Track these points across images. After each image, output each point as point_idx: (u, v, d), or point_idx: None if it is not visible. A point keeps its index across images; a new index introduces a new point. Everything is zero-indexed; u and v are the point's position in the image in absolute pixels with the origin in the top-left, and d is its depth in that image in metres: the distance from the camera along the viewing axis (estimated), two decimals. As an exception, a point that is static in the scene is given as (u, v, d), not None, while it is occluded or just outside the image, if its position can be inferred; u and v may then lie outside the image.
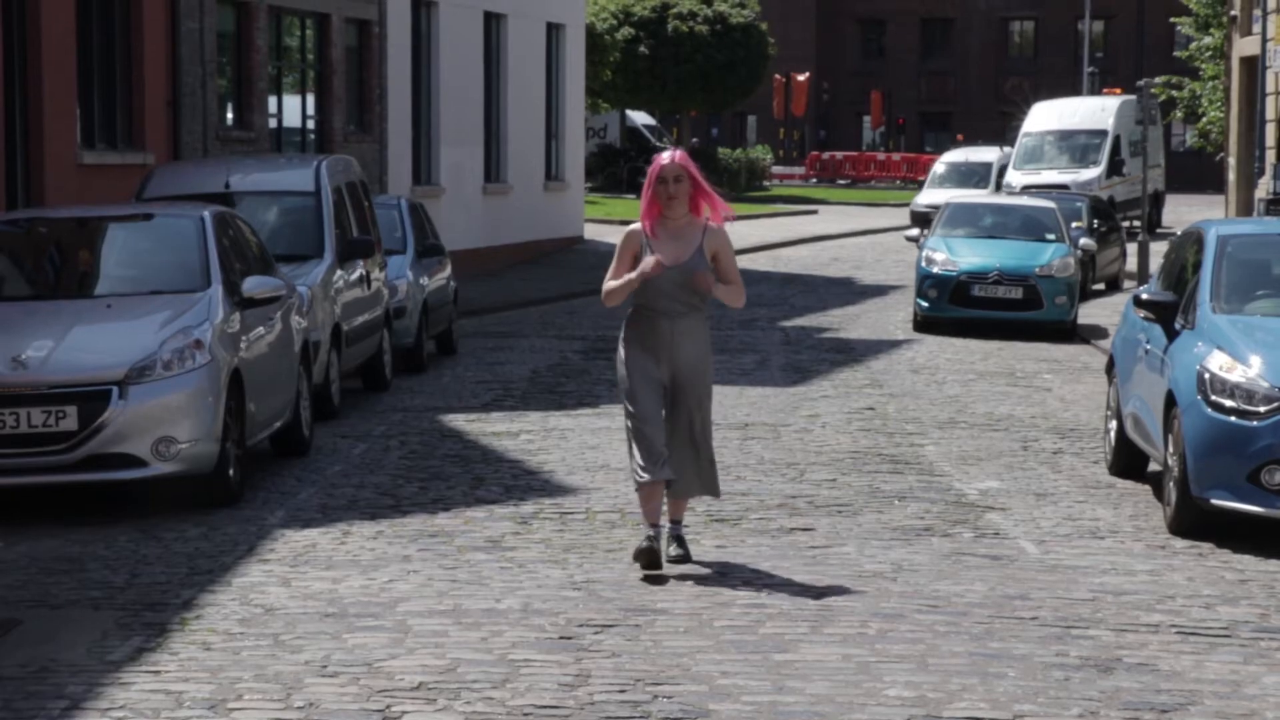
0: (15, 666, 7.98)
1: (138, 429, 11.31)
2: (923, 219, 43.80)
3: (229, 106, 24.92)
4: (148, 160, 21.15)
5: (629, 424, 9.71)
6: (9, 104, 19.08)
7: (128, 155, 21.43)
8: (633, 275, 9.58)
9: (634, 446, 9.67)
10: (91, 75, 20.95)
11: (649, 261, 9.55)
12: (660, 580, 9.50)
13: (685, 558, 9.88)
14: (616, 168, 54.87)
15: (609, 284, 9.68)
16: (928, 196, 44.10)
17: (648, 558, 9.62)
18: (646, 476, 9.60)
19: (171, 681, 7.75)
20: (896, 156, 70.14)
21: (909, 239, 27.23)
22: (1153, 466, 12.57)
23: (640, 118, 59.92)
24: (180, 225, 13.12)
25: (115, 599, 9.26)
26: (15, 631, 8.61)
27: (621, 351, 9.75)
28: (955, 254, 24.29)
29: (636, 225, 9.67)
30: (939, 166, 47.23)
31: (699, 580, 9.57)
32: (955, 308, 23.79)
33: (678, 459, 9.71)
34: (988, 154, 47.44)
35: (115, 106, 21.62)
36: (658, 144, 58.19)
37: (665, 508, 9.95)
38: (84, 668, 7.96)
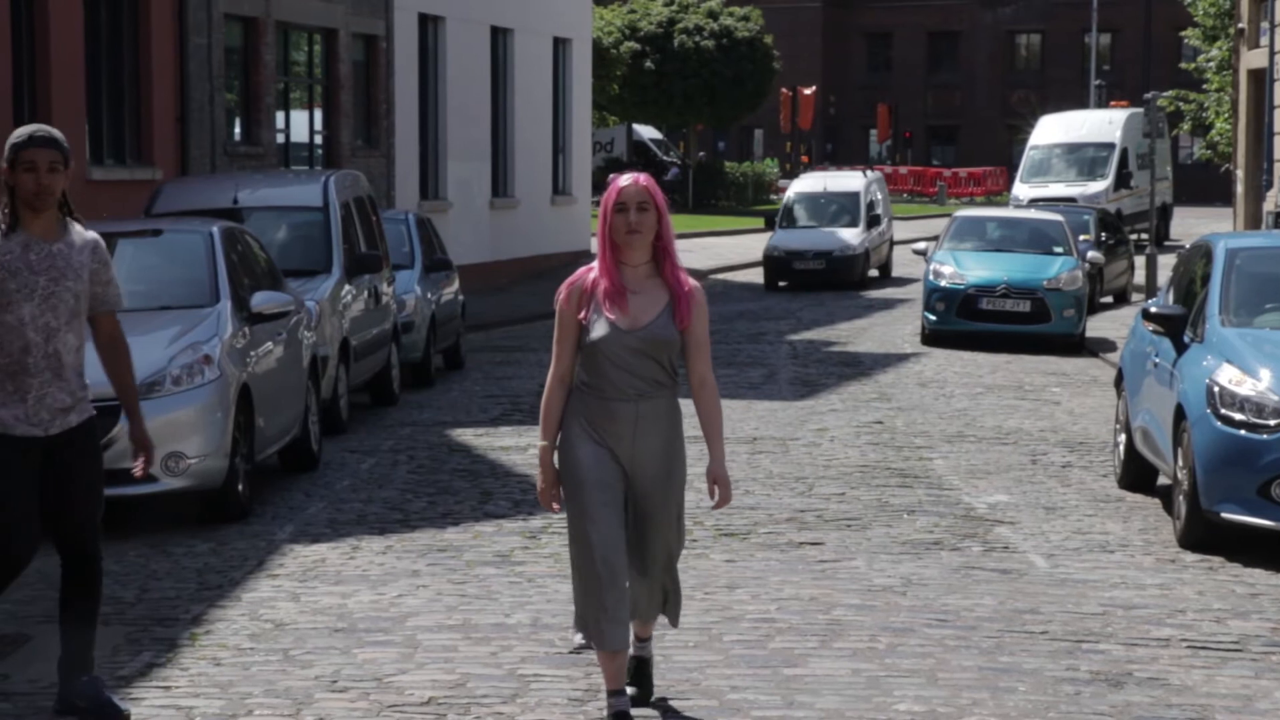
0: (25, 682, 7.99)
1: (146, 444, 11.29)
2: (778, 266, 32.84)
3: (237, 122, 24.97)
4: (156, 176, 21.20)
5: (577, 553, 7.14)
6: (18, 119, 19.11)
7: (136, 171, 21.47)
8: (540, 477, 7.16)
9: (585, 585, 7.12)
10: (100, 91, 21.00)
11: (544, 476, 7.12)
12: None
13: (644, 697, 7.53)
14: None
15: (546, 400, 7.20)
16: (782, 238, 33.45)
17: None
18: (607, 642, 7.10)
19: (181, 697, 7.75)
20: (903, 170, 70.16)
21: (916, 252, 27.26)
22: (1162, 480, 12.56)
23: (647, 132, 60.03)
24: (189, 241, 13.14)
25: (125, 614, 9.26)
26: (25, 647, 8.62)
27: (569, 447, 7.16)
28: (963, 267, 24.30)
29: (577, 278, 7.18)
30: (790, 194, 35.66)
31: (708, 594, 9.56)
32: (963, 321, 23.80)
33: (637, 584, 7.29)
34: (851, 180, 35.55)
35: (124, 122, 21.67)
36: (664, 158, 58.32)
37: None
38: (94, 683, 7.95)
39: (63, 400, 7.23)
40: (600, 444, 7.12)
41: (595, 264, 7.16)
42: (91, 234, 7.40)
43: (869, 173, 36.79)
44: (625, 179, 7.14)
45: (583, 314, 7.11)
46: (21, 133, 7.14)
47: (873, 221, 34.25)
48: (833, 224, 33.69)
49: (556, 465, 7.18)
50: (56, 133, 7.23)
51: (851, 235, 33.40)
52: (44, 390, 7.19)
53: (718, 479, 7.19)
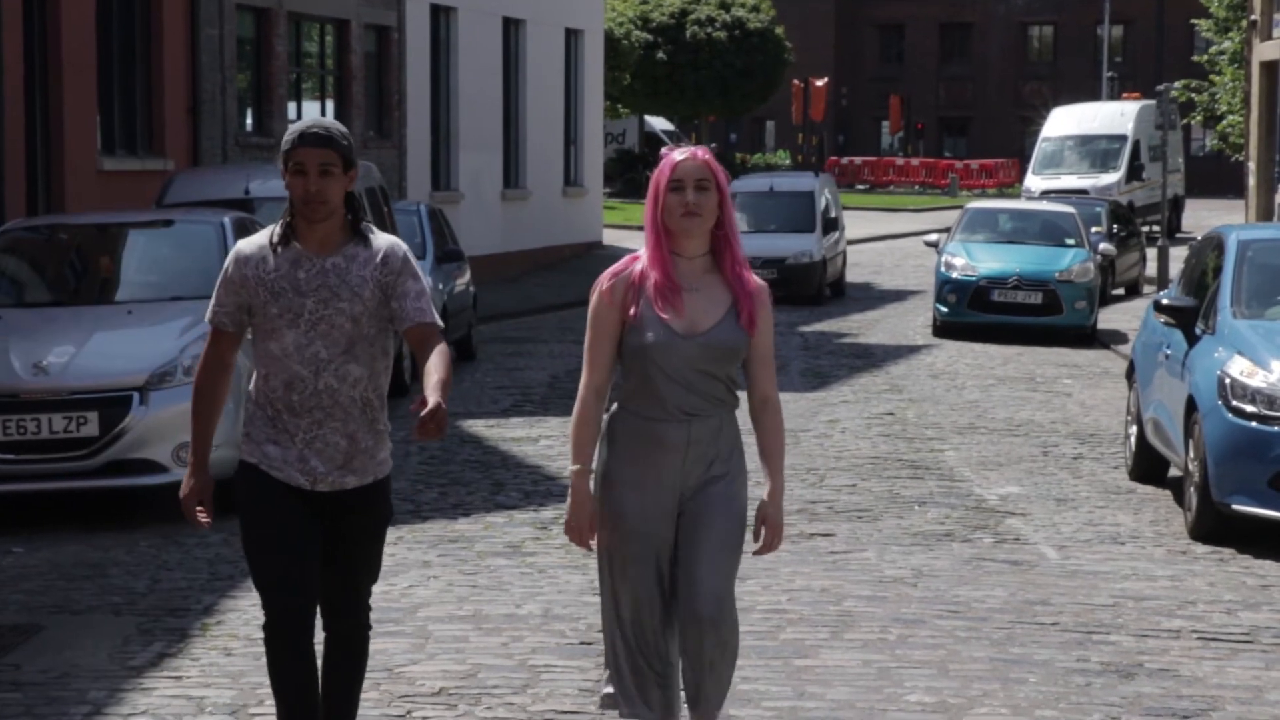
0: (37, 672, 8.00)
1: (159, 434, 11.33)
2: None
3: (249, 112, 24.99)
4: (168, 166, 21.22)
5: (607, 605, 6.03)
6: (30, 111, 19.14)
7: (148, 161, 21.49)
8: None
9: (620, 652, 6.00)
10: (112, 82, 21.02)
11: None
12: None
13: None
14: (635, 173, 54.95)
15: (579, 416, 5.92)
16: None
17: None
18: (626, 709, 6.00)
19: (193, 687, 7.76)
20: (915, 162, 70.08)
21: (928, 244, 27.24)
22: (1173, 472, 12.55)
23: (659, 123, 60.01)
24: (200, 231, 13.15)
25: (137, 604, 9.28)
26: (37, 637, 8.64)
27: (604, 480, 5.97)
28: (974, 259, 24.29)
29: (622, 268, 5.92)
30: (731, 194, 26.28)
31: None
32: (974, 313, 23.79)
33: (691, 653, 5.95)
34: (802, 180, 31.16)
35: (135, 113, 21.69)
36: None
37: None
38: (106, 673, 7.98)
39: (338, 445, 5.92)
40: (646, 478, 5.89)
41: (641, 252, 5.93)
42: (386, 242, 6.00)
43: (820, 174, 32.51)
44: (681, 153, 5.89)
45: (632, 311, 5.83)
46: (294, 130, 5.91)
47: (829, 226, 29.34)
48: (782, 229, 28.48)
49: (593, 492, 5.96)
50: (335, 128, 5.93)
51: (807, 241, 28.51)
52: (314, 433, 5.92)
53: (767, 519, 6.02)
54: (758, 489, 6.07)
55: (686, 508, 5.94)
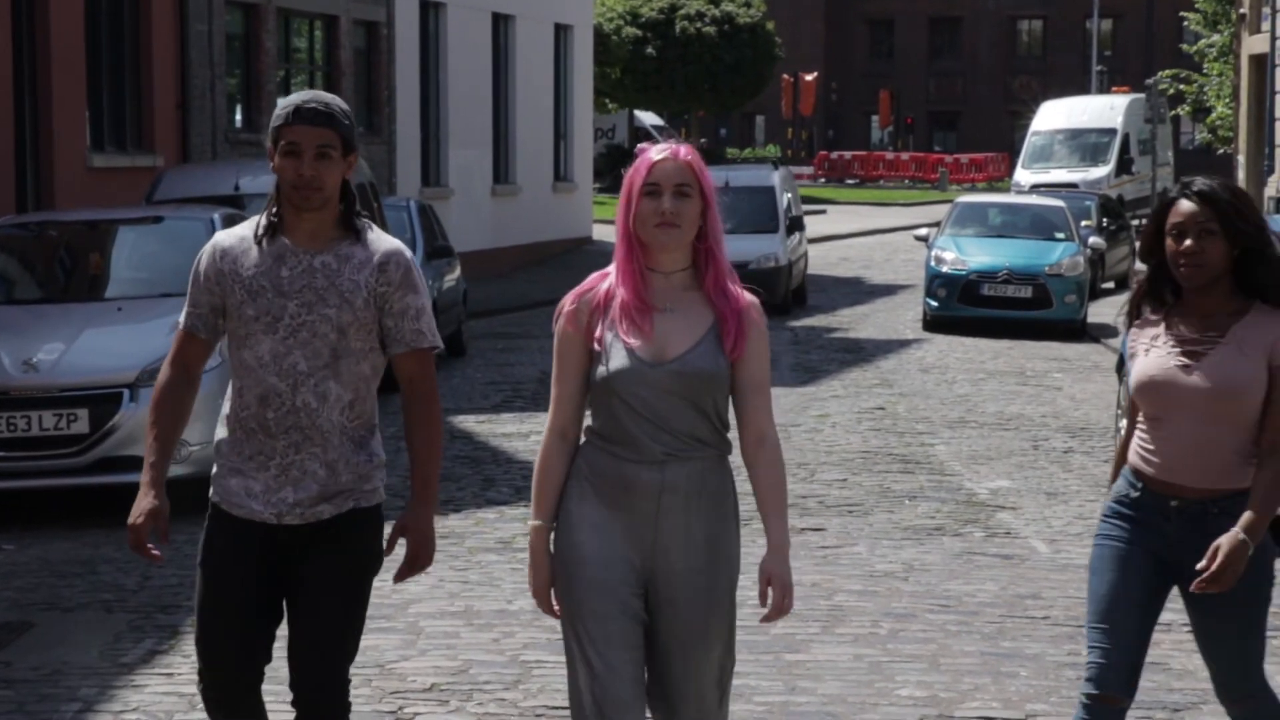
0: (28, 669, 8.00)
1: (149, 431, 11.29)
2: None
3: (238, 108, 24.98)
4: (157, 163, 21.21)
5: (570, 674, 5.08)
6: (19, 107, 19.12)
7: (137, 158, 21.47)
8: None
9: (581, 708, 4.99)
10: (101, 78, 21.00)
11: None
12: None
13: None
14: (625, 168, 54.96)
15: (541, 463, 5.07)
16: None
17: None
18: None
19: (184, 684, 7.75)
20: (905, 156, 70.16)
21: (918, 238, 27.23)
22: (1163, 465, 12.55)
23: (648, 118, 60.02)
24: (190, 228, 13.14)
25: (127, 601, 9.27)
26: (28, 634, 8.63)
27: (563, 521, 5.03)
28: (964, 253, 24.30)
29: (587, 288, 5.02)
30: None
31: (710, 581, 9.57)
32: (964, 307, 23.80)
33: None
34: (761, 175, 28.06)
35: (125, 109, 21.66)
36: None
37: None
38: (96, 670, 7.98)
39: (316, 474, 5.16)
40: (612, 525, 4.96)
41: (611, 269, 5.02)
42: (388, 245, 5.19)
43: (779, 168, 28.98)
44: (658, 150, 4.98)
45: (597, 335, 4.94)
46: (287, 104, 5.10)
47: (793, 226, 26.64)
48: (741, 230, 24.20)
49: (552, 551, 5.06)
50: (336, 104, 5.12)
51: (771, 243, 25.48)
52: (290, 458, 5.16)
53: (773, 577, 5.12)
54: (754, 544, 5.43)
55: (669, 584, 5.02)
